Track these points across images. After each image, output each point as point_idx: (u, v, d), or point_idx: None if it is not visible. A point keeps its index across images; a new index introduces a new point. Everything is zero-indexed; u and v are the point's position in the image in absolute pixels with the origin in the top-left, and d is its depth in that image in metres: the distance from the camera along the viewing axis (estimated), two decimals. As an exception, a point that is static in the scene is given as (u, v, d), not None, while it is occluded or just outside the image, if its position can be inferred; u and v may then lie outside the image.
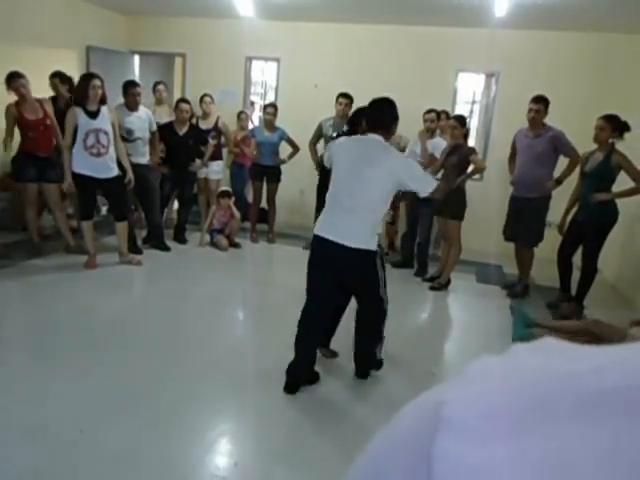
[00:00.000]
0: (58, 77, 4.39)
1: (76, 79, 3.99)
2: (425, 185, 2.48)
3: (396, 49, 5.76)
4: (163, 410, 2.35)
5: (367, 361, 2.75)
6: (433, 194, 2.51)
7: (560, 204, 4.11)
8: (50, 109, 4.20)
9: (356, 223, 2.39)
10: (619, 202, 3.74)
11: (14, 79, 3.97)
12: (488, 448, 0.23)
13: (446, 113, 5.06)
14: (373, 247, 2.43)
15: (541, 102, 3.94)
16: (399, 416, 0.30)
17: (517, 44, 5.36)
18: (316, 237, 2.48)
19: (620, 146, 3.69)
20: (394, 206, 5.05)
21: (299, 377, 2.59)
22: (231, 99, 6.22)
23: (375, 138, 2.46)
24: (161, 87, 5.39)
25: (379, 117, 2.50)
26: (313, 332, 2.60)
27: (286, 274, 4.60)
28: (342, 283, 2.53)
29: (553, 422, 0.23)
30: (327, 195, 2.51)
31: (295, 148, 5.19)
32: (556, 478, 0.21)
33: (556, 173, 4.03)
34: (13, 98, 4.05)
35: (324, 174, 3.04)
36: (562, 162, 4.01)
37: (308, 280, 2.56)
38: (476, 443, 0.23)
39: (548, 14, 4.60)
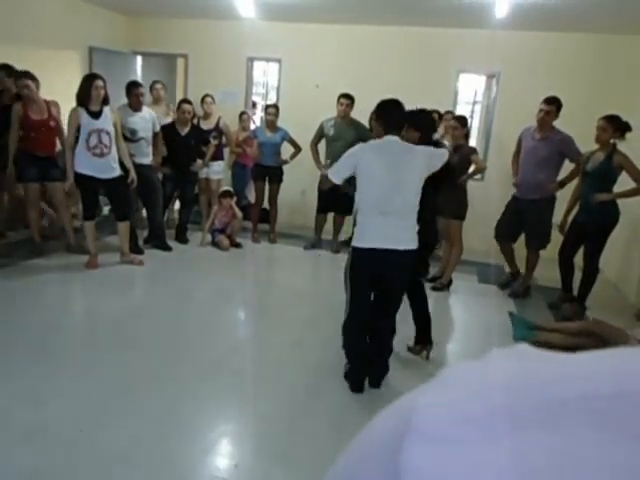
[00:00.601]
0: (4, 70, 4.26)
1: (79, 80, 3.99)
2: (443, 157, 2.63)
3: (397, 50, 5.76)
4: (163, 410, 2.35)
5: (384, 366, 2.76)
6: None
7: (561, 204, 4.10)
8: (57, 111, 4.17)
9: (404, 226, 2.49)
10: (620, 202, 3.73)
11: (19, 78, 3.98)
12: (454, 454, 0.23)
13: (451, 113, 5.06)
14: (416, 246, 2.56)
15: (553, 104, 3.88)
16: (375, 421, 0.30)
17: (518, 45, 5.35)
18: (365, 250, 2.47)
19: (621, 146, 3.68)
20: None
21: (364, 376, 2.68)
22: (232, 100, 6.23)
23: (397, 140, 2.51)
24: (158, 86, 5.37)
25: (397, 119, 2.55)
26: (365, 335, 2.70)
27: (287, 274, 4.60)
28: (379, 283, 2.60)
29: (517, 429, 0.23)
30: (362, 206, 2.49)
31: (297, 148, 5.20)
32: None
33: (561, 176, 4.03)
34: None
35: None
36: (567, 165, 4.01)
37: (358, 293, 2.59)
38: (443, 449, 0.23)
39: (549, 15, 4.59)
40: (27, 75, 4.00)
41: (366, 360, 2.66)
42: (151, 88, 5.36)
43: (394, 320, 2.73)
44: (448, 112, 5.02)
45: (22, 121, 4.03)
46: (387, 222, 2.44)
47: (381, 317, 2.67)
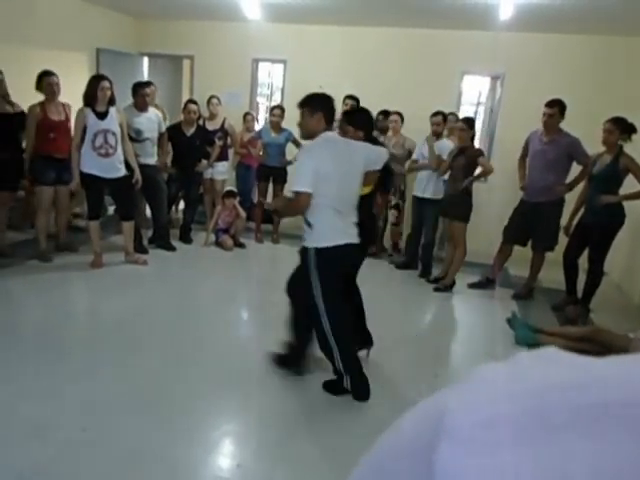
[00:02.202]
0: None
1: (86, 81, 4.02)
2: (383, 156, 2.68)
3: (401, 51, 5.77)
4: (166, 410, 2.36)
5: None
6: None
7: (567, 206, 4.09)
8: (71, 113, 4.15)
9: (353, 221, 2.53)
10: (626, 205, 3.72)
11: (47, 76, 3.98)
12: (488, 457, 0.23)
13: (455, 115, 5.06)
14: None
15: (555, 106, 3.87)
16: (404, 419, 0.30)
17: (522, 47, 5.34)
18: (334, 247, 2.40)
19: (628, 148, 3.67)
20: (398, 207, 5.06)
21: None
22: (236, 101, 6.26)
23: (338, 137, 2.56)
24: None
25: (334, 115, 2.54)
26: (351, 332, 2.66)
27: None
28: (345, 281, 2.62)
29: (550, 433, 0.23)
30: (320, 205, 2.38)
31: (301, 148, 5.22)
32: None
33: (569, 178, 4.01)
34: (31, 101, 4.05)
35: None
36: (575, 167, 3.99)
37: (334, 291, 2.46)
38: (476, 452, 0.24)
39: (553, 17, 4.58)
40: (51, 73, 3.99)
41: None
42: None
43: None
44: (452, 114, 5.02)
45: (40, 122, 3.99)
46: (343, 218, 2.46)
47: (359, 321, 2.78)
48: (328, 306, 2.43)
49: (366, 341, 2.92)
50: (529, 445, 0.23)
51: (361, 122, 2.82)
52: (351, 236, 2.48)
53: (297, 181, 2.36)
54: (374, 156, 2.61)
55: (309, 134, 2.50)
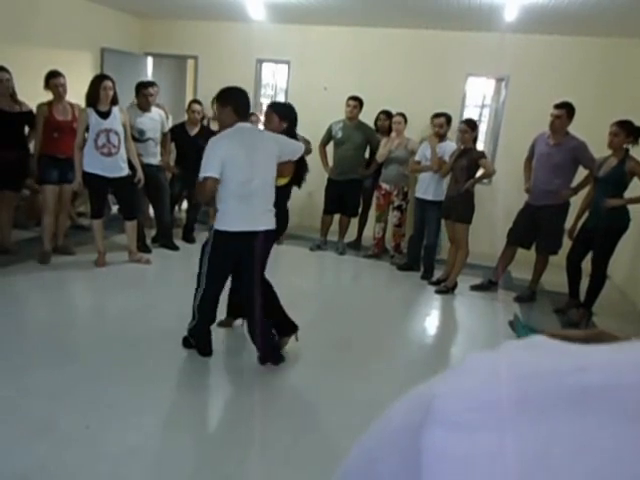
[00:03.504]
0: None
1: (90, 80, 4.04)
2: (298, 149, 2.82)
3: (406, 52, 5.77)
4: (168, 409, 2.37)
5: (268, 341, 2.82)
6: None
7: (573, 210, 4.07)
8: (78, 114, 4.11)
9: (263, 209, 2.66)
10: (631, 208, 3.70)
11: (53, 77, 4.00)
12: (474, 439, 0.24)
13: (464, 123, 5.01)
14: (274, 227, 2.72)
15: (563, 108, 3.85)
16: (392, 409, 0.31)
17: (527, 48, 5.33)
18: (230, 233, 2.57)
19: (634, 151, 3.66)
20: (401, 209, 5.06)
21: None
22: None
23: (250, 126, 2.69)
24: (156, 88, 5.38)
25: (248, 107, 2.72)
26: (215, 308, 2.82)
27: (292, 274, 4.61)
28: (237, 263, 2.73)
29: (534, 415, 0.23)
30: (225, 192, 2.56)
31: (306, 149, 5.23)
32: (535, 467, 0.22)
33: (574, 182, 4.00)
34: (40, 99, 4.06)
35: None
36: (581, 170, 3.97)
37: (219, 270, 2.69)
38: (463, 434, 0.24)
39: (558, 18, 4.57)
40: (58, 73, 4.00)
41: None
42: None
43: (257, 292, 2.78)
44: (462, 122, 4.96)
45: (46, 122, 4.00)
46: (250, 205, 2.58)
47: (240, 293, 2.86)
48: (207, 280, 2.69)
49: (291, 329, 2.97)
50: (513, 427, 0.24)
51: (286, 113, 2.94)
52: (255, 223, 2.60)
53: (204, 167, 2.53)
54: (289, 149, 2.75)
55: (221, 126, 2.70)
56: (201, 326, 2.79)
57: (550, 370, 0.25)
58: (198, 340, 2.83)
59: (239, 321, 3.18)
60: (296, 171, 2.92)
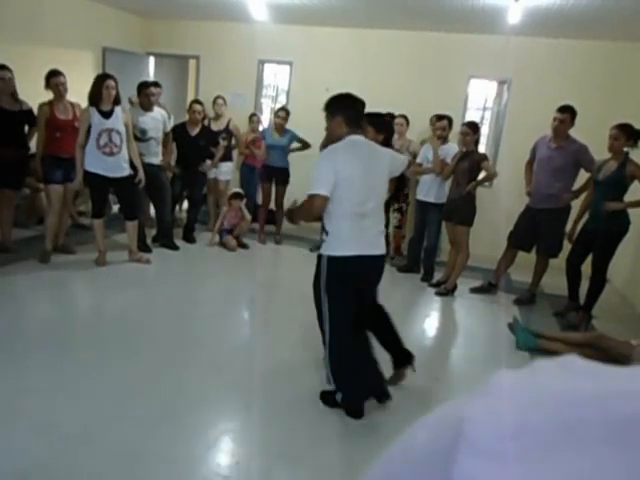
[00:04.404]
0: None
1: (92, 79, 4.04)
2: (404, 163, 2.59)
3: (408, 54, 5.78)
4: (167, 408, 2.37)
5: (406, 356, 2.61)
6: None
7: (574, 214, 4.08)
8: (80, 113, 4.11)
9: (378, 230, 2.41)
10: (631, 212, 3.71)
11: (54, 76, 3.99)
12: (517, 469, 0.22)
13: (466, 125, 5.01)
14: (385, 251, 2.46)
15: (567, 112, 3.85)
16: (417, 429, 0.29)
17: (529, 51, 5.34)
18: (351, 258, 2.28)
19: (634, 154, 3.66)
20: (401, 211, 5.06)
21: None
22: (241, 102, 6.28)
23: (364, 140, 2.41)
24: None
25: (360, 116, 2.44)
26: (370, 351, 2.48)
27: (292, 275, 4.61)
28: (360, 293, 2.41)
29: (580, 446, 0.22)
30: (339, 211, 2.28)
31: (306, 145, 5.25)
32: None
33: (576, 185, 4.00)
34: (42, 98, 4.06)
35: None
36: (582, 174, 3.98)
37: (343, 301, 2.34)
38: (504, 464, 0.23)
39: (562, 21, 4.58)
40: (58, 72, 4.00)
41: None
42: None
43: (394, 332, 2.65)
44: (464, 125, 4.98)
45: (48, 121, 4.00)
46: (364, 226, 2.31)
47: (364, 327, 2.50)
48: (333, 313, 2.34)
49: (407, 360, 2.69)
50: (561, 458, 0.22)
51: (383, 126, 2.79)
52: (371, 247, 2.34)
53: (314, 183, 2.24)
54: (398, 163, 2.53)
55: (331, 138, 2.41)
56: (340, 370, 2.34)
57: (592, 396, 0.24)
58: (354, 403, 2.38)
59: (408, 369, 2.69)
60: (397, 184, 2.72)
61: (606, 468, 0.21)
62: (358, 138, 2.36)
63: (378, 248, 2.38)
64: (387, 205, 2.73)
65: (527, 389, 0.26)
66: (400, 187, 2.78)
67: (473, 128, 4.14)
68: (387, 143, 2.76)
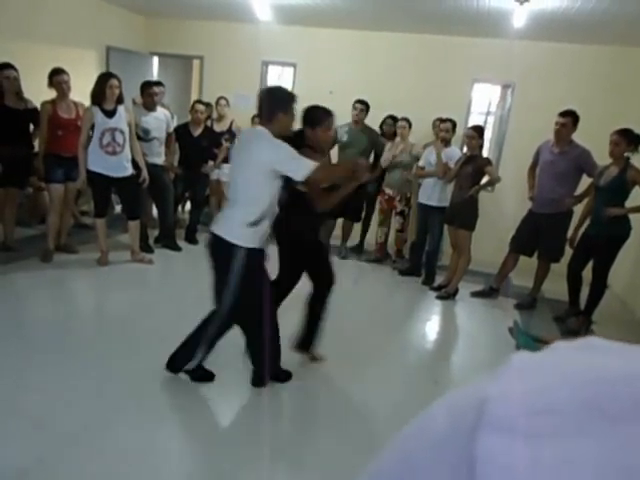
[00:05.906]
0: None
1: (95, 78, 4.04)
2: (300, 168, 2.26)
3: (412, 57, 5.78)
4: (166, 407, 2.38)
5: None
6: (313, 177, 2.24)
7: (576, 219, 4.08)
8: (83, 112, 4.10)
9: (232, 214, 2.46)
10: (632, 217, 3.71)
11: (57, 74, 3.99)
12: (538, 447, 0.22)
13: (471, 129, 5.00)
14: (238, 241, 2.40)
15: (568, 116, 3.86)
16: (432, 412, 0.29)
17: (534, 56, 5.34)
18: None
19: (635, 159, 3.66)
20: (403, 214, 5.07)
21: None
22: (244, 103, 6.28)
23: (255, 129, 2.51)
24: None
25: (262, 108, 2.49)
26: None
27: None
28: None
29: (613, 424, 0.22)
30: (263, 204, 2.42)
31: None
32: (613, 478, 0.20)
33: (579, 190, 4.00)
34: (44, 97, 4.06)
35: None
36: (585, 179, 3.97)
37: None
38: (524, 441, 0.22)
39: (566, 26, 4.58)
40: (62, 71, 4.00)
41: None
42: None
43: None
44: (469, 128, 4.97)
45: (50, 120, 3.99)
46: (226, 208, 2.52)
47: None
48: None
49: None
50: (592, 436, 0.21)
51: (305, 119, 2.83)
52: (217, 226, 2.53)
53: (299, 160, 2.27)
54: (290, 164, 2.30)
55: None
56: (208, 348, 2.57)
57: (620, 374, 0.23)
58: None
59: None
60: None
61: (636, 446, 0.21)
62: (252, 128, 2.45)
63: (219, 230, 2.54)
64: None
65: (550, 367, 0.26)
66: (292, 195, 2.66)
67: (479, 132, 4.14)
68: (301, 135, 2.74)
